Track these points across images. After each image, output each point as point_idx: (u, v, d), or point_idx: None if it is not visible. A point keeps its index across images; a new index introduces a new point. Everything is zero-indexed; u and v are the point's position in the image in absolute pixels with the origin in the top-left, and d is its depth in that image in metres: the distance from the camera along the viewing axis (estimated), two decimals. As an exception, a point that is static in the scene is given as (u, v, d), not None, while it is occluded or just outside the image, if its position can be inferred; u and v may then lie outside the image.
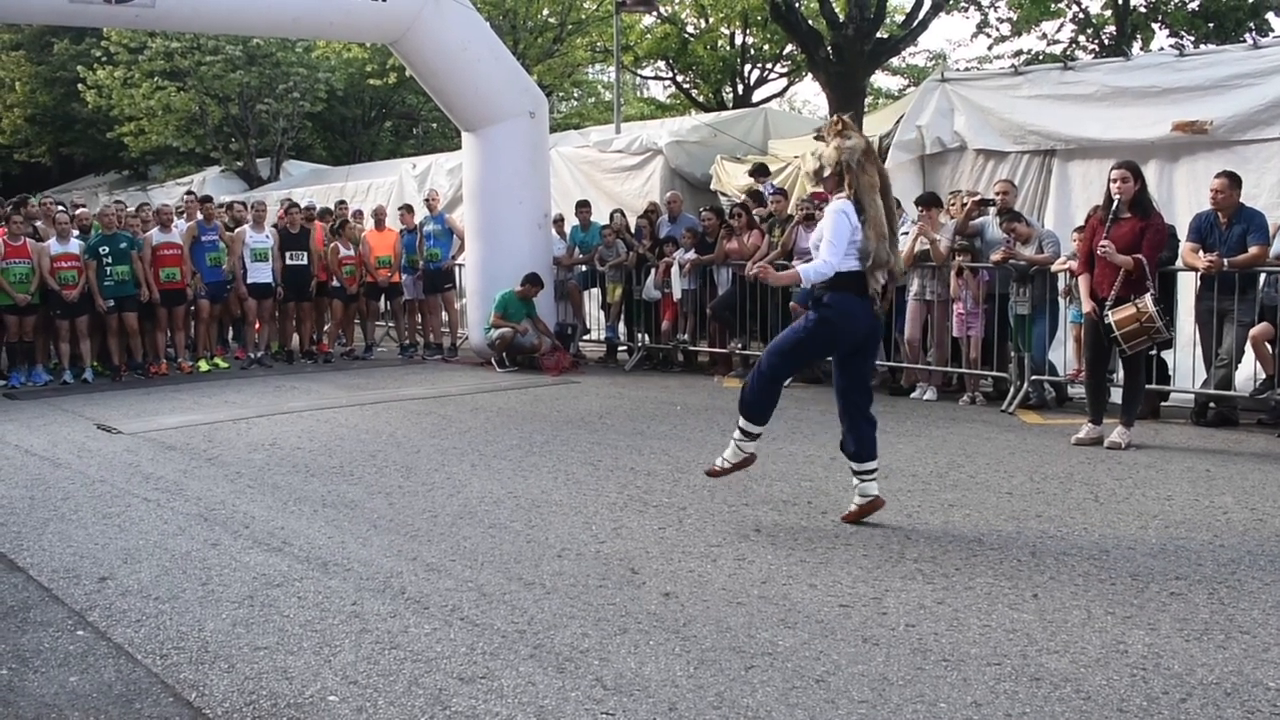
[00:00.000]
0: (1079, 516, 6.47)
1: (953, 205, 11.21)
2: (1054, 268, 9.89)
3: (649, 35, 27.93)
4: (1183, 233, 9.46)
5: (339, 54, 28.93)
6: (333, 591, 5.29)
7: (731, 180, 14.43)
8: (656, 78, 31.90)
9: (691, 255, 13.06)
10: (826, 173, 6.25)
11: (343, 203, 16.76)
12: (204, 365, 14.16)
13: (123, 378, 13.33)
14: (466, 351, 15.48)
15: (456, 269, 15.68)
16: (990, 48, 23.75)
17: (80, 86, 28.60)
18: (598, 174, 16.47)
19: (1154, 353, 9.43)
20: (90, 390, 12.57)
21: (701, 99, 28.92)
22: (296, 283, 14.64)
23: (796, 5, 16.91)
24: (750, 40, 28.16)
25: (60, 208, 14.42)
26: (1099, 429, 8.60)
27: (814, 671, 4.26)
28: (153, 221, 14.23)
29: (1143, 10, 21.65)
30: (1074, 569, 5.46)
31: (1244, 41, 12.17)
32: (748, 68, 28.86)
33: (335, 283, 15.02)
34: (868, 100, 19.74)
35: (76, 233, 13.32)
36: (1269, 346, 8.86)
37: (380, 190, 20.71)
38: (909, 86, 28.49)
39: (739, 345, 12.75)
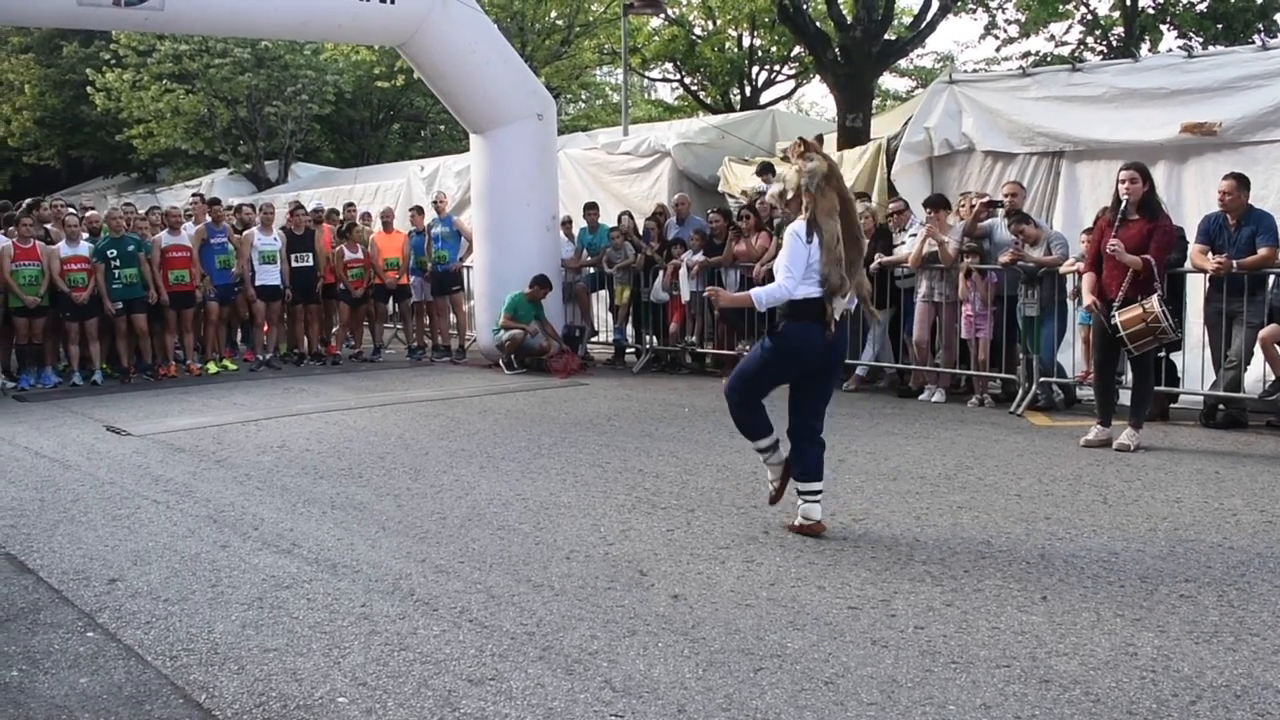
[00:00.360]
0: (1088, 519, 6.46)
1: (962, 207, 11.20)
2: (1062, 269, 9.87)
3: (656, 37, 27.93)
4: (1191, 234, 9.44)
5: (347, 56, 28.98)
6: (342, 593, 5.30)
7: (739, 182, 14.42)
8: (664, 80, 31.91)
9: (699, 257, 13.06)
10: (789, 195, 6.18)
11: (351, 205, 16.80)
12: (213, 367, 14.19)
13: (132, 380, 13.36)
14: (474, 353, 15.49)
15: (464, 271, 15.69)
16: (998, 49, 23.75)
17: (89, 89, 28.67)
18: (605, 176, 16.48)
19: (1163, 355, 9.43)
20: (99, 392, 12.60)
21: (709, 101, 28.91)
22: (302, 285, 14.67)
23: (804, 7, 16.88)
24: (758, 42, 28.14)
25: (70, 210, 14.45)
26: (1108, 431, 8.58)
27: (823, 673, 4.26)
28: (161, 224, 14.27)
29: (1151, 11, 21.62)
30: (1083, 571, 5.45)
31: (1253, 43, 12.14)
32: (755, 69, 28.84)
33: (342, 286, 15.04)
34: (875, 102, 19.71)
35: (86, 235, 13.36)
36: (1278, 348, 8.83)
37: (388, 192, 20.74)
38: (917, 88, 28.50)
39: (747, 347, 12.72)
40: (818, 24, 17.10)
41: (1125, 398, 8.95)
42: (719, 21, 27.66)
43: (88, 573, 5.73)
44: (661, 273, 13.51)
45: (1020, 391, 10.33)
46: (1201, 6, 21.34)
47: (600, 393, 11.98)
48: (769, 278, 6.81)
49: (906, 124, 12.85)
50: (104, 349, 13.44)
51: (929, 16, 16.29)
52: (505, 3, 26.04)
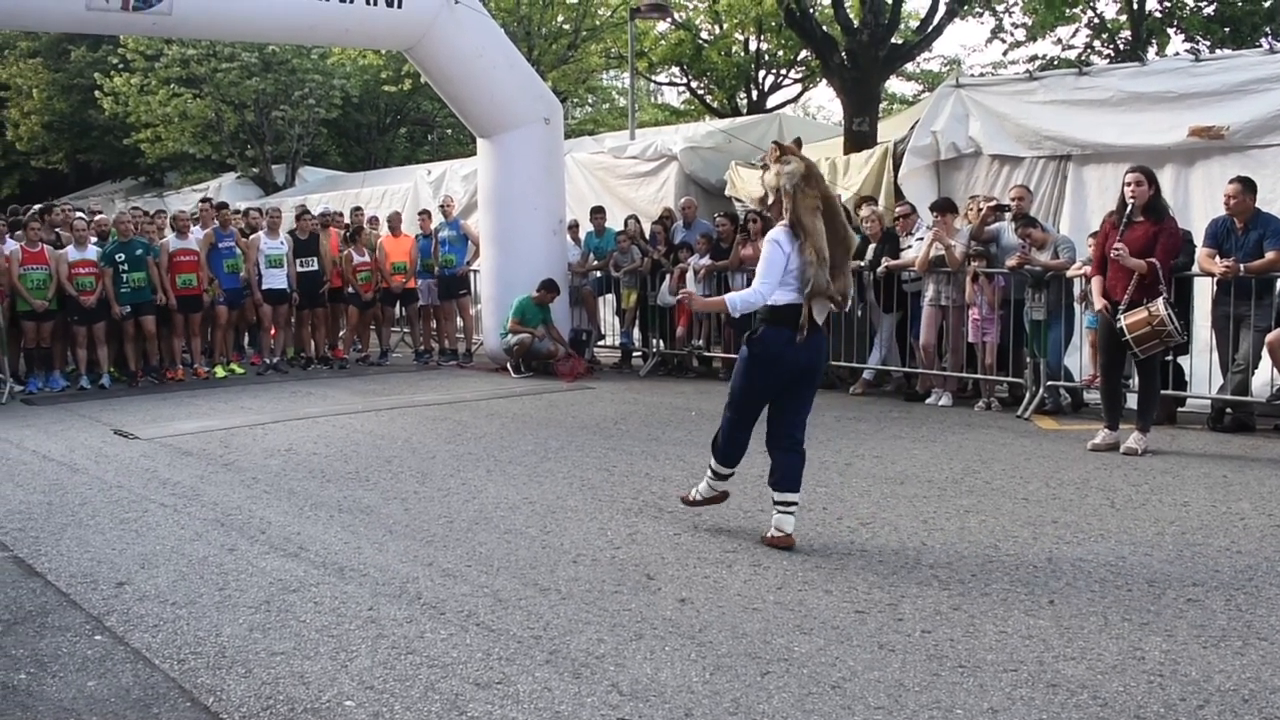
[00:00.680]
0: (1095, 523, 6.45)
1: (970, 210, 11.19)
2: (1069, 273, 9.87)
3: (663, 41, 27.94)
4: (1199, 238, 9.43)
5: (354, 60, 29.03)
6: (349, 597, 5.31)
7: (746, 186, 14.42)
8: (671, 84, 31.93)
9: (706, 261, 13.06)
10: (770, 200, 6.13)
11: (358, 209, 16.82)
12: (220, 371, 14.22)
13: (139, 383, 13.39)
14: (481, 357, 15.51)
15: (471, 275, 15.70)
16: (1005, 53, 23.71)
17: (97, 93, 28.76)
18: (612, 180, 16.49)
19: (1170, 358, 9.42)
20: (107, 396, 12.62)
21: (716, 105, 28.92)
22: (308, 289, 14.70)
23: (811, 11, 16.90)
24: (765, 46, 28.14)
25: (79, 214, 14.49)
26: (1115, 434, 8.57)
27: (830, 677, 4.26)
28: (169, 228, 14.30)
29: (1158, 15, 21.59)
30: (1090, 575, 5.45)
31: (1260, 46, 12.14)
32: (762, 73, 28.85)
33: (350, 289, 15.07)
34: (882, 106, 19.70)
35: (94, 239, 13.39)
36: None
37: (395, 196, 20.78)
38: (924, 92, 28.47)
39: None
40: (824, 28, 17.12)
41: (1132, 401, 8.94)
42: (725, 25, 27.65)
43: (95, 576, 5.74)
44: (668, 276, 13.51)
45: (1027, 395, 10.33)
46: (1209, 10, 21.30)
47: (607, 396, 11.99)
48: None
49: (913, 128, 12.86)
50: (112, 353, 13.47)
51: (936, 20, 16.31)
52: (512, 7, 26.07)
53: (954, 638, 4.64)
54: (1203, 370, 9.65)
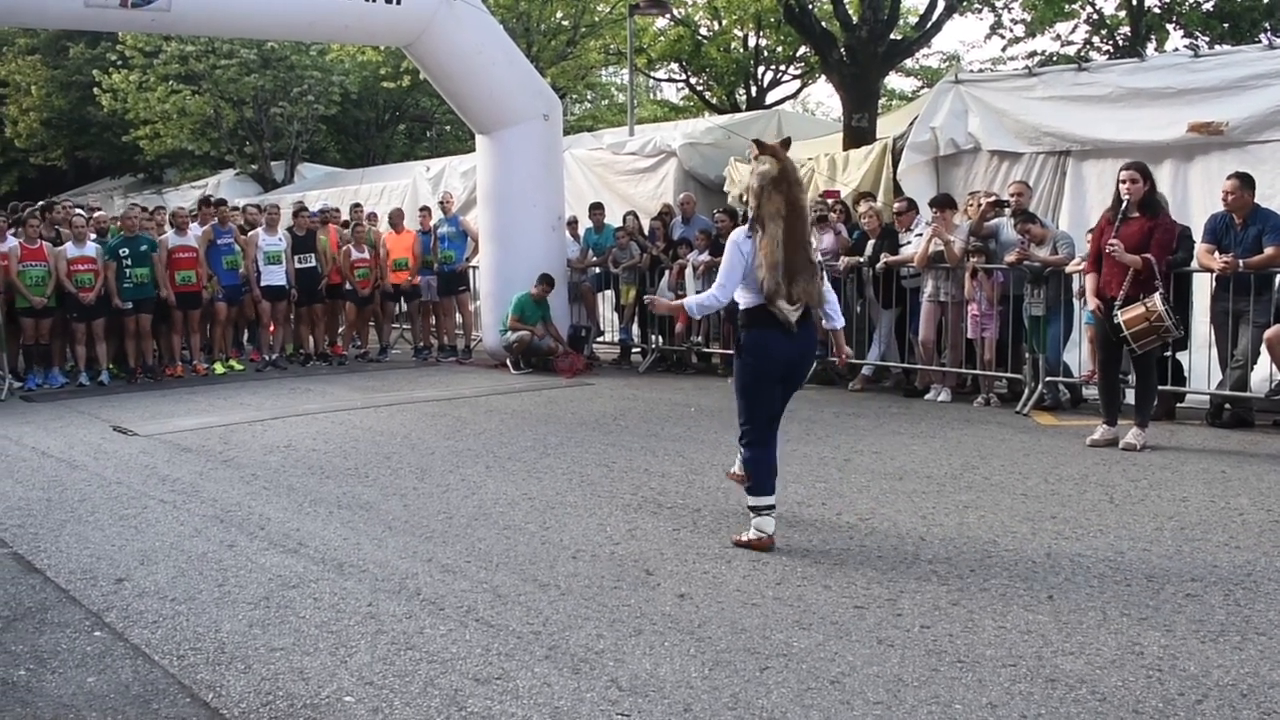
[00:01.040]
0: (1094, 518, 6.46)
1: (969, 206, 11.19)
2: (1068, 269, 9.87)
3: (662, 37, 27.93)
4: (1198, 234, 9.43)
5: (353, 57, 28.99)
6: (348, 593, 5.31)
7: (745, 182, 14.42)
8: (670, 80, 31.90)
9: (705, 257, 13.06)
10: (744, 197, 6.12)
11: (357, 205, 16.81)
12: (219, 367, 14.22)
13: (138, 380, 13.39)
14: (480, 353, 15.51)
15: (470, 271, 15.70)
16: (1004, 49, 23.68)
17: (96, 90, 28.72)
18: (611, 176, 16.49)
19: (1169, 354, 9.42)
20: (106, 392, 12.63)
21: (715, 101, 28.91)
22: (306, 286, 14.70)
23: (810, 7, 16.89)
24: (764, 42, 28.14)
25: (79, 211, 14.48)
26: (1114, 430, 8.58)
27: (829, 672, 4.26)
28: (168, 224, 14.30)
29: (1157, 11, 21.58)
30: (1089, 571, 5.45)
31: (1259, 42, 12.12)
32: (761, 70, 28.84)
33: (349, 285, 15.07)
34: (881, 102, 19.68)
35: (94, 236, 13.39)
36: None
37: (394, 193, 20.77)
38: (923, 88, 28.45)
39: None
40: (823, 24, 17.11)
41: (1131, 397, 8.94)
42: (725, 22, 27.65)
43: (95, 572, 5.74)
44: (667, 273, 13.51)
45: (1026, 391, 10.32)
46: (1208, 6, 21.29)
47: (606, 393, 11.99)
48: None
49: (912, 124, 12.86)
50: (111, 349, 13.47)
51: (935, 16, 16.30)
52: (511, 3, 26.03)
53: (953, 633, 4.65)
54: (1202, 366, 9.65)
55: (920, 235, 11.08)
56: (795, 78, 29.82)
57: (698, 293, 12.69)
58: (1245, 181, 8.99)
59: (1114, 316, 8.27)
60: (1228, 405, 9.38)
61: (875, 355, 11.87)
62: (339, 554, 5.97)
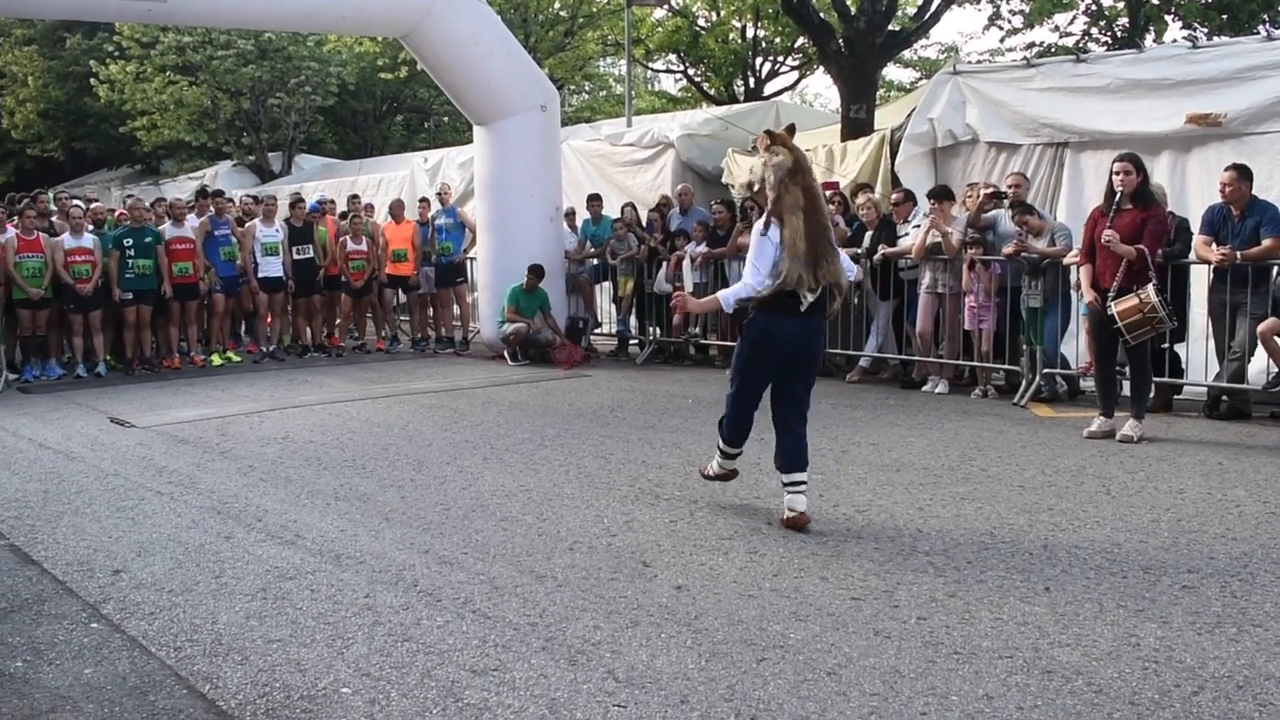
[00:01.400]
0: (1091, 510, 6.46)
1: (967, 198, 11.19)
2: (1066, 260, 9.86)
3: (660, 28, 27.89)
4: (1196, 225, 9.43)
5: (350, 48, 28.96)
6: (345, 584, 5.31)
7: (743, 173, 14.39)
8: (668, 71, 31.88)
9: (703, 249, 13.05)
10: (756, 187, 6.18)
11: (355, 197, 16.79)
12: (216, 359, 14.21)
13: (135, 371, 13.38)
14: (478, 345, 15.50)
15: (468, 262, 15.70)
16: (1002, 40, 23.72)
17: (92, 81, 28.68)
18: (609, 167, 16.48)
19: (1165, 346, 9.42)
20: (103, 384, 12.62)
21: (713, 92, 28.87)
22: (303, 277, 14.68)
23: (808, -2, 16.87)
24: (762, 33, 28.09)
25: (76, 202, 14.46)
26: (1111, 422, 8.58)
27: (825, 664, 4.27)
28: (167, 215, 14.28)
29: (1155, 2, 21.55)
30: (1086, 562, 5.46)
31: (1258, 34, 12.12)
32: (759, 61, 28.80)
33: (344, 277, 15.06)
34: (879, 93, 19.66)
35: (91, 227, 13.36)
36: (1278, 340, 8.82)
37: (392, 184, 20.75)
38: (921, 79, 28.45)
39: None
40: (822, 15, 17.07)
41: (1127, 389, 8.94)
42: (723, 12, 27.60)
43: (92, 564, 5.74)
44: (665, 264, 13.51)
45: (1024, 383, 10.33)
46: (1206, -3, 21.28)
47: (604, 384, 11.99)
48: None
49: (910, 115, 12.85)
50: (108, 341, 13.47)
51: (933, 7, 16.29)
52: (508, -7, 26.03)
53: (949, 624, 4.65)
54: (1199, 358, 9.65)
55: (918, 227, 11.07)
56: (793, 69, 29.79)
57: (695, 284, 12.87)
58: (1243, 173, 8.99)
59: (1108, 308, 8.27)
60: (1225, 397, 9.39)
61: (873, 347, 11.87)
62: (336, 545, 5.97)
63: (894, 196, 11.78)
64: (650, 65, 30.97)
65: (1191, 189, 10.52)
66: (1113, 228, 8.25)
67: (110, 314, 13.32)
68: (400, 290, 15.91)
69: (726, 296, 6.23)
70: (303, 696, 4.07)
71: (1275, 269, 8.96)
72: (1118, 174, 8.25)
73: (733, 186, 14.60)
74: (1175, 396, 9.88)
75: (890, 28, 16.02)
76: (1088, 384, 10.21)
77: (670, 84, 34.96)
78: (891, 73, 29.79)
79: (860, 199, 11.91)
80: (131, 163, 34.36)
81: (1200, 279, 9.59)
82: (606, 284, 15.00)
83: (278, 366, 14.06)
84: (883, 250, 11.34)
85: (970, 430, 8.99)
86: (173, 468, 8.02)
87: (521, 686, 4.11)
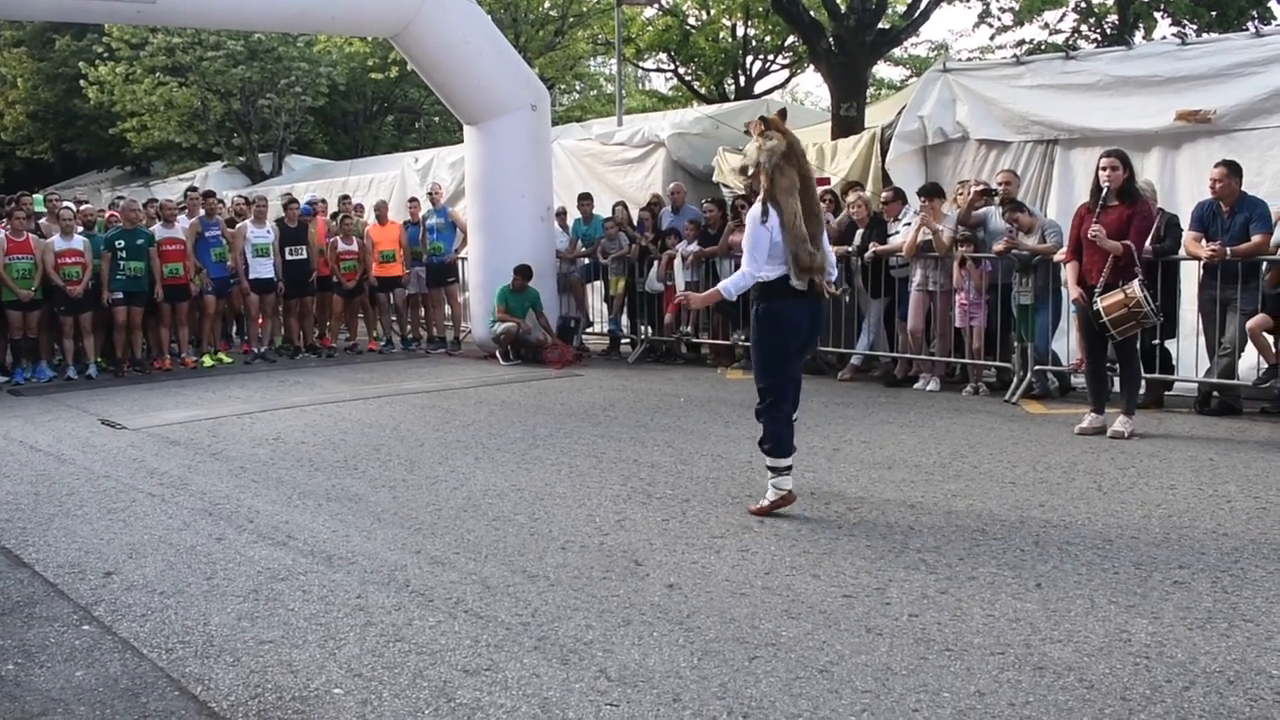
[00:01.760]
0: (1082, 506, 6.47)
1: (959, 195, 11.20)
2: (1056, 258, 9.87)
3: (650, 27, 27.90)
4: (1185, 222, 9.45)
5: (340, 48, 28.92)
6: (337, 585, 5.30)
7: (734, 172, 14.41)
8: (658, 70, 31.93)
9: (694, 247, 13.05)
10: (750, 171, 6.30)
11: (346, 197, 16.76)
12: (208, 360, 14.18)
13: (126, 373, 13.35)
14: (469, 345, 15.50)
15: (460, 262, 15.68)
16: (992, 38, 23.84)
17: (82, 83, 28.62)
18: (600, 166, 16.47)
19: (1156, 342, 9.45)
20: (94, 386, 12.60)
21: (703, 91, 28.89)
22: (295, 278, 14.65)
23: (798, -4, 16.87)
24: (752, 32, 28.12)
25: (66, 204, 14.43)
26: (1102, 418, 8.60)
27: (817, 661, 4.27)
28: (156, 217, 14.25)
29: (1144, -1, 21.59)
30: (1077, 558, 5.46)
31: (1246, 30, 12.12)
32: (749, 59, 28.83)
33: (335, 278, 15.04)
34: (870, 91, 19.70)
35: (80, 228, 13.33)
36: (1267, 336, 8.85)
37: (382, 184, 20.71)
38: (911, 77, 28.46)
39: (742, 337, 12.75)
40: (811, 13, 17.09)
41: (1118, 385, 8.96)
42: (713, 11, 27.63)
43: (83, 566, 5.73)
44: (656, 263, 13.51)
45: (1015, 380, 10.35)
46: (1195, -7, 21.30)
47: (595, 383, 11.99)
48: None
49: (901, 113, 12.84)
50: (98, 343, 13.44)
51: (923, 5, 16.30)
52: (498, -7, 26.02)
53: (941, 621, 4.65)
54: (1190, 354, 9.68)
55: (908, 224, 11.08)
56: (784, 67, 29.84)
57: (687, 283, 12.88)
58: (1233, 169, 9.01)
59: (1093, 303, 8.29)
60: (1215, 393, 9.41)
61: (864, 345, 11.88)
62: (328, 546, 5.96)
63: (884, 194, 11.79)
64: (641, 64, 31.01)
65: (1181, 185, 10.54)
66: (1099, 224, 8.27)
67: (101, 316, 13.29)
68: (391, 293, 15.85)
69: (727, 286, 6.38)
70: (295, 697, 4.07)
71: (1265, 265, 8.98)
72: (1104, 169, 8.27)
73: (724, 185, 14.62)
74: (1166, 392, 9.90)
75: (880, 26, 16.02)
76: (1079, 381, 10.21)
77: (661, 83, 35.05)
78: (882, 71, 29.87)
79: (851, 197, 11.91)
80: (121, 164, 34.29)
81: (1190, 275, 9.61)
82: (598, 283, 14.99)
83: (269, 367, 14.04)
84: (873, 248, 11.34)
85: (961, 427, 9.00)
86: (164, 469, 8.00)
87: (514, 686, 4.11)
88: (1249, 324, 8.81)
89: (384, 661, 4.36)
